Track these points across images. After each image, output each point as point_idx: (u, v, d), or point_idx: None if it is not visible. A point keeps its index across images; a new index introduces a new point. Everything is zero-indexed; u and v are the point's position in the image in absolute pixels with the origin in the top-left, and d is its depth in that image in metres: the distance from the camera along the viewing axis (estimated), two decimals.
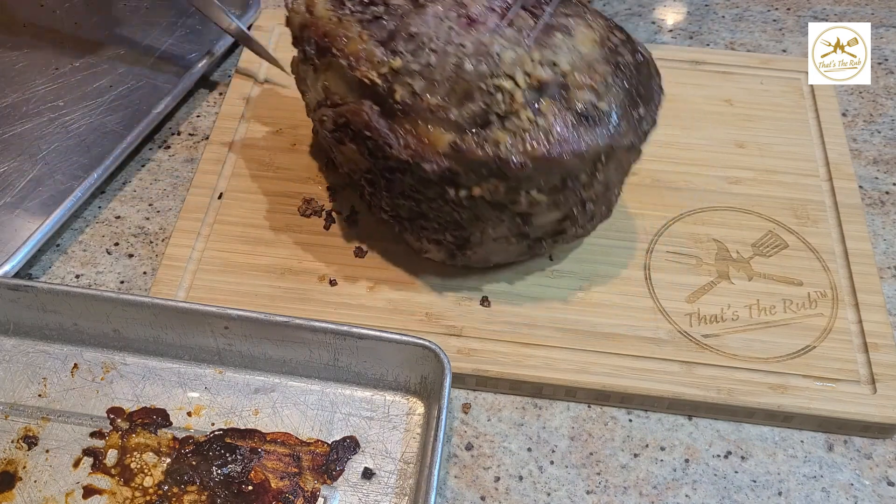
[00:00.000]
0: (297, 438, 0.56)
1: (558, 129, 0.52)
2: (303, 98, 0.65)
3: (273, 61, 0.75)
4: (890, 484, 0.56)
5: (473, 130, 0.52)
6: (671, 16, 0.88)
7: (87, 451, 0.55)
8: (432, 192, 0.55)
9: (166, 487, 0.53)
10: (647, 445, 0.58)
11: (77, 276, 0.65)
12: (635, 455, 0.57)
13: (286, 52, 0.78)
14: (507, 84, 0.52)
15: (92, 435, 0.55)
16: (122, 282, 0.65)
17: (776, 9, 0.89)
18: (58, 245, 0.67)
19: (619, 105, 0.53)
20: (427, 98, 0.52)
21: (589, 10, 0.57)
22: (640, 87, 0.55)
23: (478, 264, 0.62)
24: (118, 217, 0.69)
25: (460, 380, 0.59)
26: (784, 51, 0.84)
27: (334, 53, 0.55)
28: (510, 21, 0.53)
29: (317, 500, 0.53)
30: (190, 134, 0.75)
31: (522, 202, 0.54)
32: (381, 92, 0.53)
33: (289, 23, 0.61)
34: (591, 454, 0.57)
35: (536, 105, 0.52)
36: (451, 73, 0.52)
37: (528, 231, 0.58)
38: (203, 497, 0.53)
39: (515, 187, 0.53)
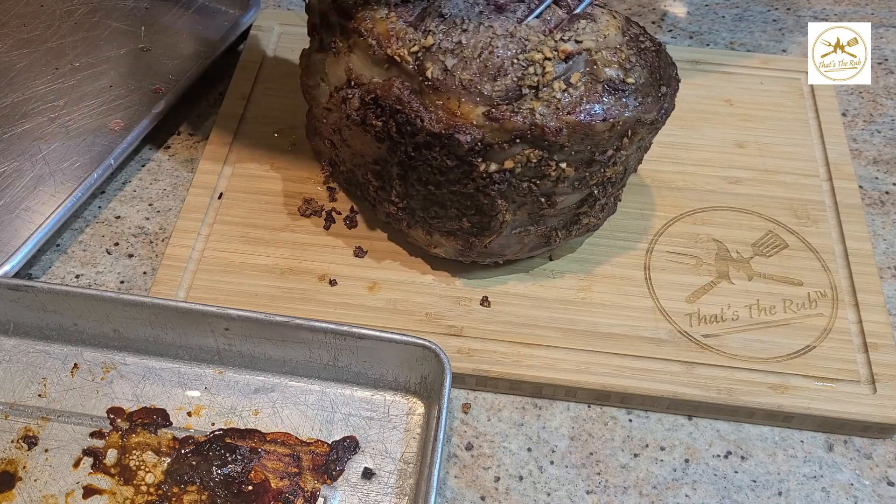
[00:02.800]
0: (297, 438, 0.56)
1: (590, 98, 0.53)
2: (306, 95, 0.65)
3: None
4: (890, 484, 0.56)
5: (505, 104, 0.53)
6: (671, 16, 0.88)
7: (87, 451, 0.55)
8: (458, 171, 0.55)
9: (166, 487, 0.53)
10: (647, 445, 0.58)
11: (77, 276, 0.65)
12: (635, 455, 0.57)
13: (287, 51, 0.79)
14: (538, 56, 0.53)
15: (92, 435, 0.55)
16: (122, 282, 0.65)
17: (776, 9, 0.89)
18: (58, 245, 0.67)
19: (644, 81, 0.55)
20: (459, 74, 0.54)
21: (609, 7, 0.59)
22: (662, 70, 0.57)
23: (490, 259, 0.62)
24: (118, 217, 0.69)
25: (460, 380, 0.59)
26: (784, 51, 0.84)
27: (361, 34, 0.56)
28: (538, 14, 0.56)
29: (317, 500, 0.53)
30: (190, 134, 0.75)
31: (552, 175, 0.55)
32: (411, 70, 0.55)
33: (308, 9, 0.61)
34: (591, 454, 0.57)
35: (567, 77, 0.54)
36: (482, 50, 0.54)
37: (548, 214, 0.58)
38: (203, 497, 0.53)
39: (547, 158, 0.54)
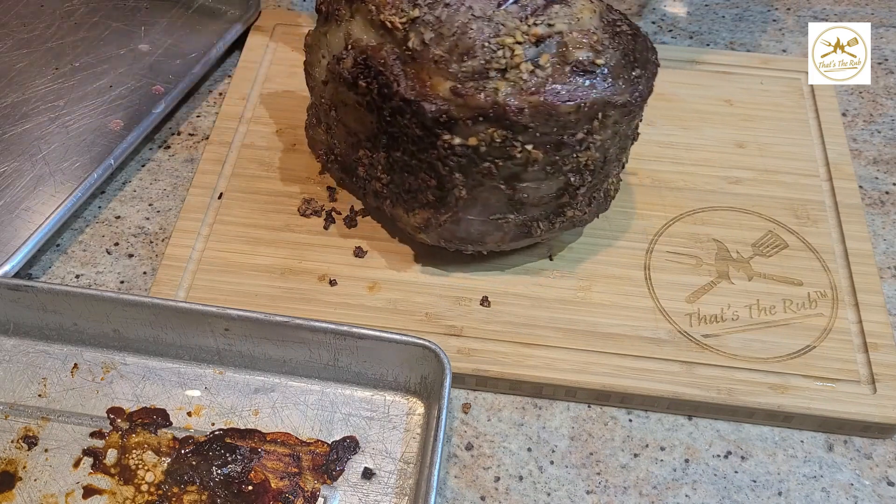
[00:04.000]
0: (297, 438, 0.56)
1: (556, 79, 0.54)
2: (308, 79, 0.65)
3: None
4: (890, 484, 0.56)
5: (471, 82, 0.54)
6: (671, 16, 0.88)
7: (87, 451, 0.55)
8: (426, 141, 0.56)
9: (166, 487, 0.53)
10: (647, 445, 0.58)
11: (77, 276, 0.65)
12: (635, 455, 0.57)
13: (287, 51, 0.79)
14: (509, 40, 0.54)
15: (92, 435, 0.55)
16: (122, 282, 0.65)
17: (776, 9, 0.89)
18: (58, 245, 0.67)
19: (616, 63, 0.55)
20: (433, 48, 0.55)
21: None
22: (637, 54, 0.57)
23: (471, 247, 0.62)
24: (118, 217, 0.69)
25: (460, 380, 0.59)
26: (784, 51, 0.84)
27: (364, 0, 0.58)
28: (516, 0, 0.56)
29: (317, 500, 0.53)
30: (190, 134, 0.75)
31: (518, 157, 0.55)
32: (399, 38, 0.56)
33: None
34: (591, 454, 0.57)
35: (536, 59, 0.54)
36: (457, 29, 0.55)
37: (527, 202, 0.58)
38: (203, 497, 0.53)
39: (511, 138, 0.54)
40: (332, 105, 0.63)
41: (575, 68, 0.54)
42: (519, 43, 0.54)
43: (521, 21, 0.55)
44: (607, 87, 0.54)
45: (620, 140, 0.60)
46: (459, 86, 0.54)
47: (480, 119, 0.54)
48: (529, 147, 0.55)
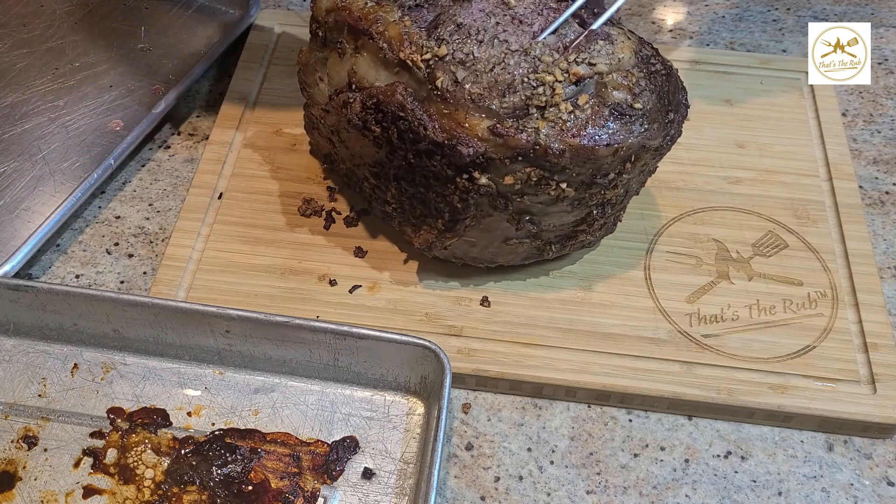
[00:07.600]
0: (297, 438, 0.56)
1: (596, 122, 0.53)
2: (303, 91, 0.65)
3: None
4: (890, 484, 0.56)
5: (511, 121, 0.53)
6: (671, 16, 0.88)
7: (87, 451, 0.55)
8: (455, 182, 0.55)
9: (166, 487, 0.53)
10: (647, 445, 0.58)
11: (77, 276, 0.65)
12: (635, 455, 0.57)
13: (287, 51, 0.79)
14: (549, 78, 0.53)
15: (92, 435, 0.55)
16: (122, 282, 0.65)
17: (776, 9, 0.89)
18: (58, 245, 0.67)
19: (652, 107, 0.54)
20: (469, 87, 0.53)
21: (622, 26, 0.58)
22: (670, 96, 0.56)
23: (483, 264, 0.62)
24: (118, 217, 0.69)
25: (460, 380, 0.59)
26: (784, 51, 0.84)
27: (372, 36, 0.56)
28: (553, 29, 0.55)
29: (317, 500, 0.53)
30: (190, 134, 0.75)
31: (552, 193, 0.55)
32: (421, 77, 0.54)
33: (314, 5, 0.60)
34: (591, 454, 0.57)
35: (575, 99, 0.53)
36: (494, 65, 0.53)
37: (542, 229, 0.58)
38: (203, 497, 0.53)
39: (548, 177, 0.54)
40: (333, 130, 0.62)
41: (614, 111, 0.53)
42: (559, 81, 0.53)
43: (559, 54, 0.54)
44: (643, 131, 0.54)
45: (643, 176, 0.60)
46: (499, 125, 0.52)
47: (519, 159, 0.53)
48: (564, 185, 0.54)
